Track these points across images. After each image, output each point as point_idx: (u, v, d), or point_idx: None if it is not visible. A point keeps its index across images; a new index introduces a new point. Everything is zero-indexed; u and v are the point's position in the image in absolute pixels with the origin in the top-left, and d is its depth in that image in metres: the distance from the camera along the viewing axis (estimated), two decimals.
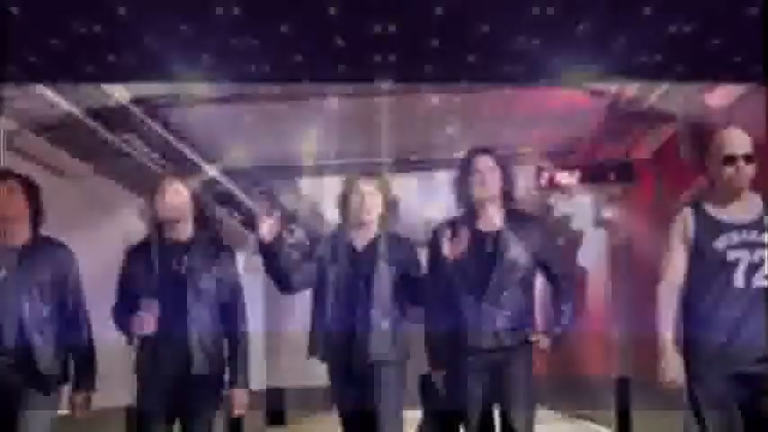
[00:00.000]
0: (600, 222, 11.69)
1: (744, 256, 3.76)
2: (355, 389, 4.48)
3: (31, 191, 4.32)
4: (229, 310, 4.44)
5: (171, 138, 8.70)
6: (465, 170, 4.48)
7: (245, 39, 5.35)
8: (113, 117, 7.87)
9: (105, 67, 5.76)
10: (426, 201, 11.04)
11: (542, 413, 7.77)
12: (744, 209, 3.84)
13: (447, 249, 4.29)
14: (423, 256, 4.59)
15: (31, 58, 5.54)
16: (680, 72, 6.12)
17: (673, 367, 3.78)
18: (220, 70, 5.98)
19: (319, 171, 10.54)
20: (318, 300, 4.54)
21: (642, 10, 5.06)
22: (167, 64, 5.63)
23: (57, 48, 5.37)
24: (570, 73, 6.17)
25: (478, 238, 4.36)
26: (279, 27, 5.14)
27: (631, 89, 8.12)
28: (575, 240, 13.00)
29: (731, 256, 3.77)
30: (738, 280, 3.76)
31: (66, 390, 4.33)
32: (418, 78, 6.77)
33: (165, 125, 8.53)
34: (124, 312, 4.32)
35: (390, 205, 4.62)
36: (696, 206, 3.90)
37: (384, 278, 4.48)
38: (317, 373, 4.99)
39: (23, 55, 5.47)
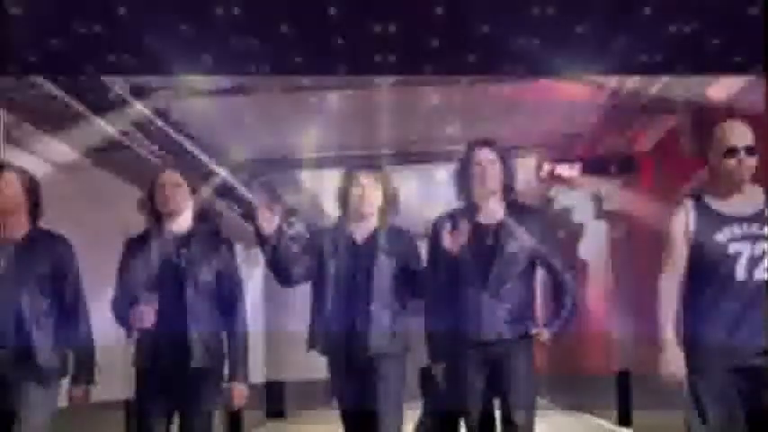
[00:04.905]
0: (601, 215, 11.69)
1: (745, 249, 3.75)
2: (355, 382, 4.47)
3: (30, 183, 4.30)
4: (229, 303, 4.41)
5: (170, 130, 8.68)
6: (466, 163, 4.47)
7: (245, 39, 5.34)
8: (113, 109, 7.84)
9: (105, 66, 5.76)
10: (426, 194, 11.03)
11: (542, 406, 7.76)
12: (745, 201, 3.83)
13: (447, 242, 4.27)
14: (423, 248, 4.57)
15: (31, 58, 5.53)
16: (680, 72, 6.12)
17: (673, 360, 3.76)
18: (220, 70, 5.98)
19: (319, 164, 10.53)
20: (318, 293, 4.52)
21: (642, 10, 5.05)
22: (167, 64, 5.62)
23: (57, 47, 5.36)
24: (570, 72, 6.17)
25: (479, 230, 4.34)
26: (279, 27, 5.14)
27: (632, 82, 8.11)
28: (575, 233, 13.01)
29: (732, 248, 3.76)
30: (739, 273, 3.74)
31: (66, 383, 4.32)
32: (418, 78, 6.77)
33: (165, 118, 8.52)
34: (123, 305, 4.30)
35: (390, 198, 4.60)
36: (697, 199, 3.88)
37: (384, 271, 4.46)
38: (317, 367, 4.98)
39: (23, 54, 5.46)
